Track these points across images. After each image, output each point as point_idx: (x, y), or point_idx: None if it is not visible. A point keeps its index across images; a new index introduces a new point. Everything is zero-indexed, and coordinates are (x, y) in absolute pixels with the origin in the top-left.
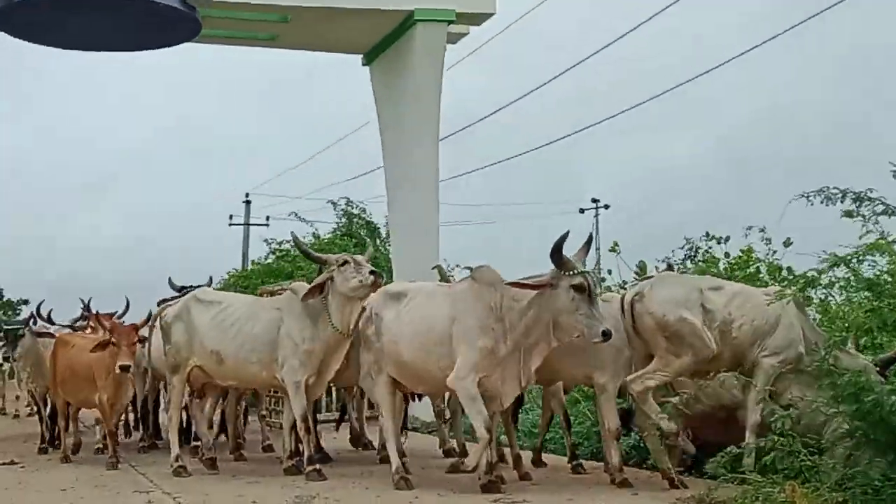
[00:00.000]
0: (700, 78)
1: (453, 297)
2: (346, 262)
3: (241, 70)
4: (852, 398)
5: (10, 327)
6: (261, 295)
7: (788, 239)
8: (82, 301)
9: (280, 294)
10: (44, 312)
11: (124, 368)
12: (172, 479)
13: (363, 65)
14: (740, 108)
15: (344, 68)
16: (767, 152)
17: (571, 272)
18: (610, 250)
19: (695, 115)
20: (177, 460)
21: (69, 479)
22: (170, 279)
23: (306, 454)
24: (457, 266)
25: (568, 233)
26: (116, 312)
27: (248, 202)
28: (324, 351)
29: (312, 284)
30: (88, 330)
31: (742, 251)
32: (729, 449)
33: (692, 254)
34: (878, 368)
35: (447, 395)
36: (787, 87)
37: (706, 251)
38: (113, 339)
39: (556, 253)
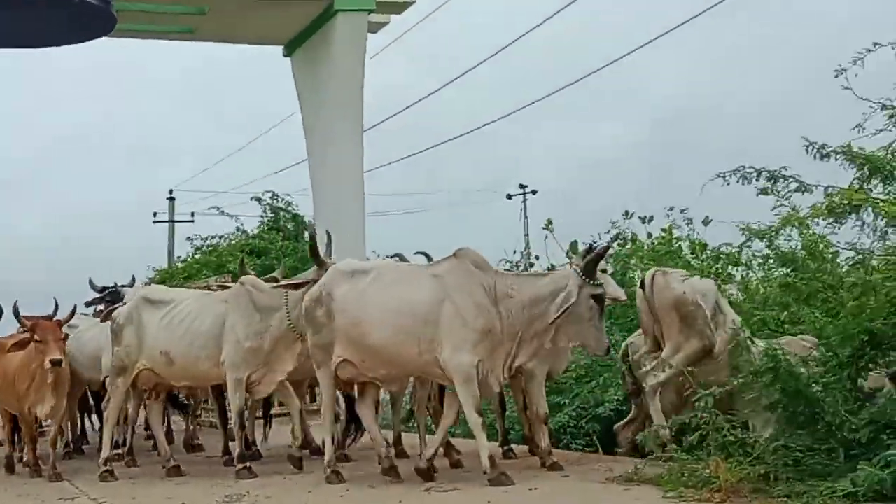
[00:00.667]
0: (627, 62)
1: (437, 275)
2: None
3: (164, 65)
4: (770, 372)
5: None
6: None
7: (707, 217)
8: None
9: (205, 289)
10: None
11: (55, 363)
12: (98, 484)
13: (284, 56)
14: (669, 93)
15: (267, 61)
16: (695, 138)
17: (595, 282)
18: (544, 227)
19: (622, 100)
20: (105, 464)
21: None
22: (90, 280)
23: (237, 451)
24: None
25: (610, 245)
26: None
27: (171, 199)
28: (273, 347)
29: (301, 281)
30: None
31: (664, 230)
32: (654, 427)
33: (619, 238)
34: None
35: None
36: (715, 73)
37: (628, 231)
38: (36, 336)
39: (596, 261)
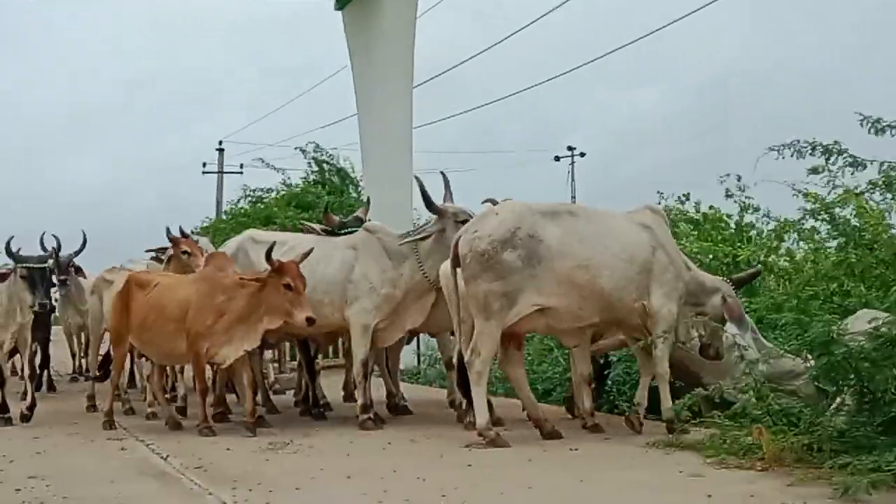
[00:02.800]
0: (680, 25)
1: (646, 225)
2: (466, 220)
3: (215, 18)
4: (823, 348)
5: (36, 266)
6: None
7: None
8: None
9: None
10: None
11: (311, 321)
12: (146, 427)
13: (336, 9)
14: (721, 57)
15: (319, 14)
16: (745, 104)
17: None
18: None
19: (675, 63)
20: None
21: (42, 428)
22: (167, 229)
23: (360, 401)
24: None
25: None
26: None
27: (221, 150)
28: (403, 296)
29: (423, 233)
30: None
31: (710, 211)
32: (696, 392)
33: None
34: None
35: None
36: (770, 38)
37: (677, 205)
38: (287, 281)
39: (753, 278)
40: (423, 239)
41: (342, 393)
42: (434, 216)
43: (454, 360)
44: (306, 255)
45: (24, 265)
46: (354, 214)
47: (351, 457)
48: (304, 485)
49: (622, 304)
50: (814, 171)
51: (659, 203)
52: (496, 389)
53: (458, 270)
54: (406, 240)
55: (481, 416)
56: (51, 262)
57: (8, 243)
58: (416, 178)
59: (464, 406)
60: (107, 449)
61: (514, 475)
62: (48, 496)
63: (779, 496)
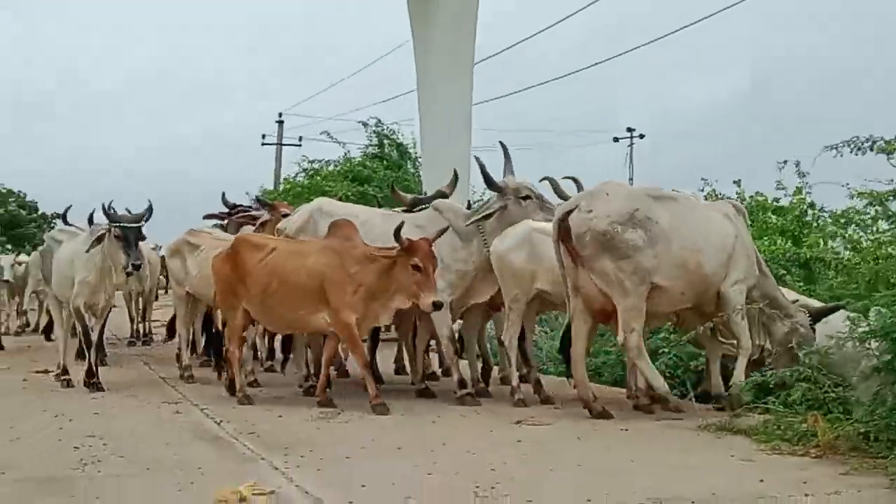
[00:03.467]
0: (742, 12)
1: (728, 216)
2: (528, 196)
3: None
4: (888, 336)
5: (131, 225)
6: None
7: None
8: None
9: None
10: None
11: (438, 306)
12: (201, 392)
13: None
14: (781, 44)
15: None
16: (803, 92)
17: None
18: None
19: (736, 49)
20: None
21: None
22: (223, 195)
23: (456, 377)
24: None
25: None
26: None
27: (280, 122)
28: (475, 273)
29: (484, 213)
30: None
31: (759, 193)
32: (752, 377)
33: (713, 195)
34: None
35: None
36: (830, 28)
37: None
38: (416, 262)
39: (828, 313)
40: (487, 217)
41: (394, 366)
42: (495, 193)
43: (504, 339)
44: (441, 232)
45: (119, 224)
46: (439, 189)
47: (401, 429)
48: (354, 454)
49: (711, 291)
50: (883, 150)
51: (702, 190)
52: (547, 369)
53: (562, 245)
54: (472, 219)
55: (657, 383)
56: (145, 221)
57: (65, 212)
58: (477, 159)
59: (514, 383)
60: (162, 412)
61: (563, 452)
62: (105, 455)
63: (832, 484)
